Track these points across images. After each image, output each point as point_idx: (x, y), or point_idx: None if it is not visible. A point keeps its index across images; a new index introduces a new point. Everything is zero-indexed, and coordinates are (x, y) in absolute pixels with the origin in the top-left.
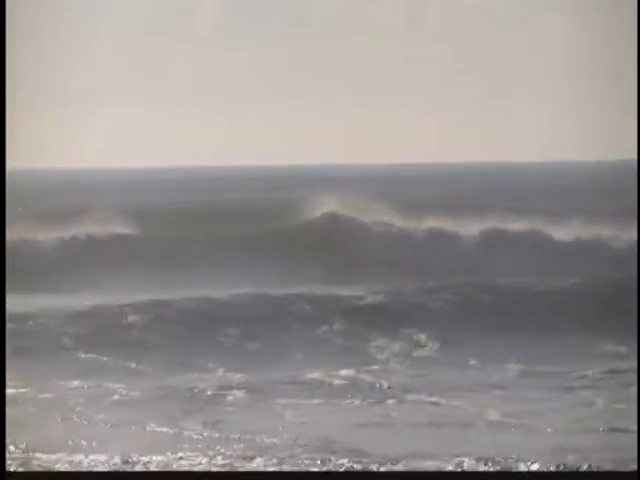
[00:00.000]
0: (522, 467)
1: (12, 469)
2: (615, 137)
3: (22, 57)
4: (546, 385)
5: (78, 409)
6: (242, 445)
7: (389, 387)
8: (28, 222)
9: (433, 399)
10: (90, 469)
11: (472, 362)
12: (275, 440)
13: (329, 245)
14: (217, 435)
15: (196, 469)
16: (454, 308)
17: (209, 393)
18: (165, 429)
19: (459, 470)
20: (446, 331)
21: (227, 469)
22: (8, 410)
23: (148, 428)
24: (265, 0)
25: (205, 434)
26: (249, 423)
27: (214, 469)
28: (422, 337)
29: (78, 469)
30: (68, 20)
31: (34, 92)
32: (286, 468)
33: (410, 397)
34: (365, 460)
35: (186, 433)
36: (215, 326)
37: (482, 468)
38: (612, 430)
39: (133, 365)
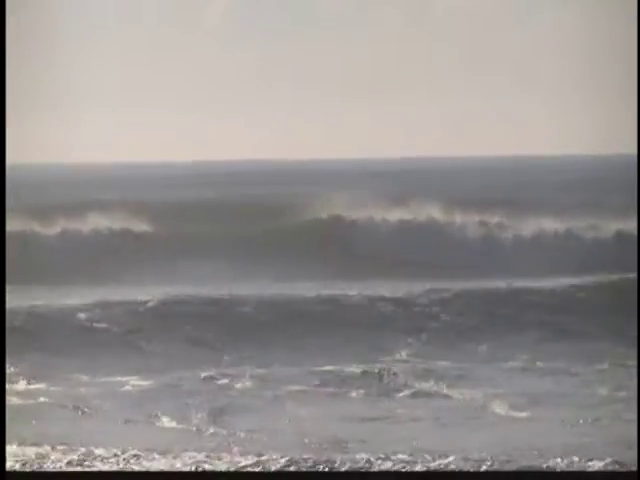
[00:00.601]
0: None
1: None
2: (619, 131)
3: (24, 50)
4: None
5: None
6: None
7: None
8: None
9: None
10: None
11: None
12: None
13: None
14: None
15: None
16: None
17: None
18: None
19: (459, 470)
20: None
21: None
22: None
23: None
24: None
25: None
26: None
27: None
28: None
29: None
30: (71, 17)
31: (35, 88)
32: None
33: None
34: None
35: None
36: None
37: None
38: None
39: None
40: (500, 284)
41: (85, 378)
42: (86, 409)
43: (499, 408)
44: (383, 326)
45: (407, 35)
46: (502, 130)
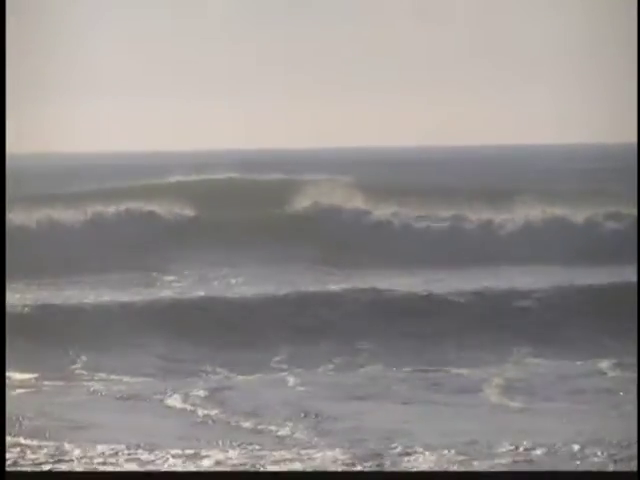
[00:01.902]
0: None
1: None
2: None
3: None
4: None
5: None
6: None
7: None
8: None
9: None
10: None
11: None
12: None
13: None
14: None
15: None
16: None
17: None
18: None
19: (459, 470)
20: None
21: None
22: None
23: None
24: None
25: None
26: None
27: None
28: None
29: None
30: (70, 7)
31: (41, 81)
32: None
33: None
34: None
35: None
36: None
37: None
38: None
39: None
40: None
41: None
42: None
43: None
44: None
45: (409, 23)
46: (505, 119)
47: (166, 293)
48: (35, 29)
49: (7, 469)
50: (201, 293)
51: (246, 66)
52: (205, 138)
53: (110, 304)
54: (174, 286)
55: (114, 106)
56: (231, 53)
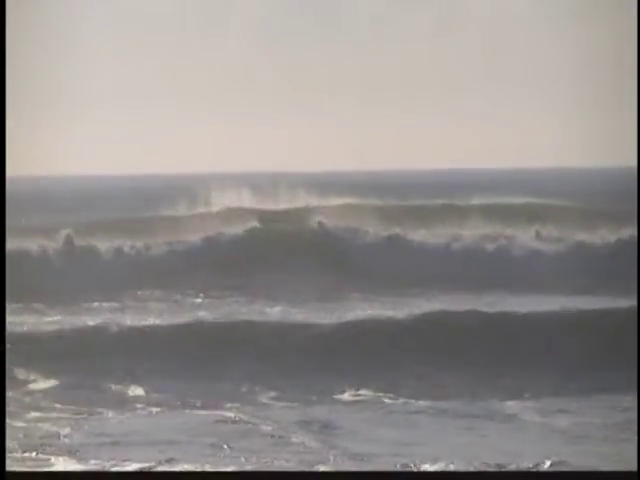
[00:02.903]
0: None
1: None
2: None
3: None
4: None
5: None
6: None
7: None
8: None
9: None
10: None
11: None
12: None
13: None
14: None
15: None
16: None
17: None
18: None
19: (459, 470)
20: None
21: None
22: None
23: None
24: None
25: None
26: None
27: None
28: None
29: None
30: (71, 22)
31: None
32: None
33: None
34: None
35: None
36: None
37: None
38: None
39: None
40: None
41: None
42: None
43: None
44: None
45: (408, 52)
46: (508, 142)
47: None
48: (30, 37)
49: (7, 469)
50: None
51: (258, 87)
52: (204, 159)
53: None
54: None
55: (111, 127)
56: (245, 74)
